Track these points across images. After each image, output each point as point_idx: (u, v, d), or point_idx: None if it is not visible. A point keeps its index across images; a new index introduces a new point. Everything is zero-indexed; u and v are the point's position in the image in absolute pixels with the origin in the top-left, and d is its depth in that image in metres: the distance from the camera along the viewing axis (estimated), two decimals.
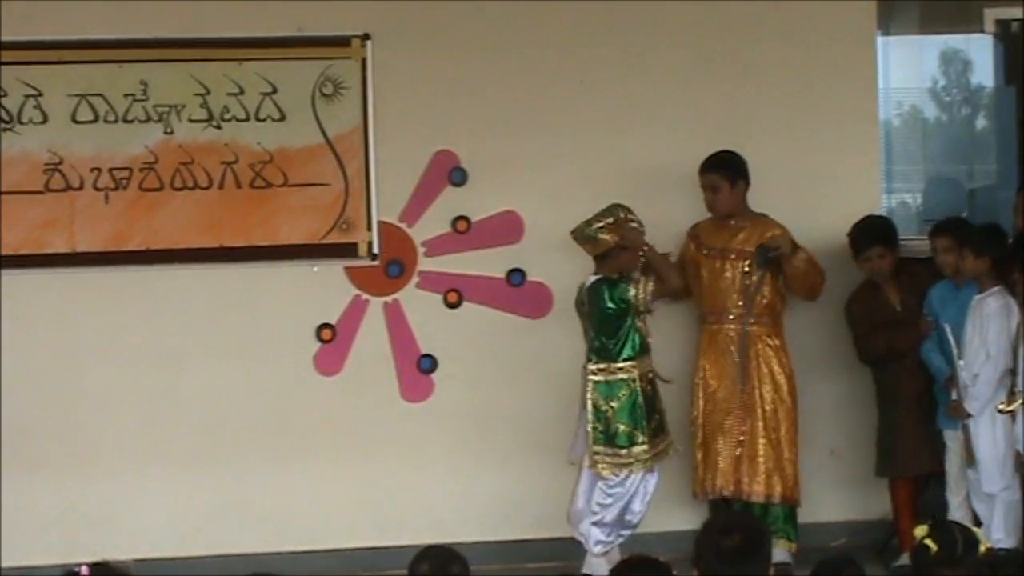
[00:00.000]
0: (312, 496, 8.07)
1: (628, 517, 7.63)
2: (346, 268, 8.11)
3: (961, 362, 7.46)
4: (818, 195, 8.30)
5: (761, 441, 7.76)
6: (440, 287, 8.19)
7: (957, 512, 7.55)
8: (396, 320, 8.16)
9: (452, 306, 8.19)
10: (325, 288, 8.09)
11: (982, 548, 4.51)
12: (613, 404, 7.55)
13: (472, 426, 8.16)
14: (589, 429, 7.57)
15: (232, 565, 7.76)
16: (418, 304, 8.17)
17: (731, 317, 7.80)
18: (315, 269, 8.08)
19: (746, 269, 7.80)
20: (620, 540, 7.65)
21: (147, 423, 7.99)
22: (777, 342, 7.86)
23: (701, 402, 7.83)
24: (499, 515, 8.13)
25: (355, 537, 8.08)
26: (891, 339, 7.82)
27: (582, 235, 7.57)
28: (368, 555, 7.97)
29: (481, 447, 8.15)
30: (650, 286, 7.54)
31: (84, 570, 4.41)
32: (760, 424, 7.76)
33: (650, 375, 7.61)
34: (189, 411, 8.02)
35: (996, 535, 7.21)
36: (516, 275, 8.23)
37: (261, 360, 8.04)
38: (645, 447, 7.54)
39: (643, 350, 7.58)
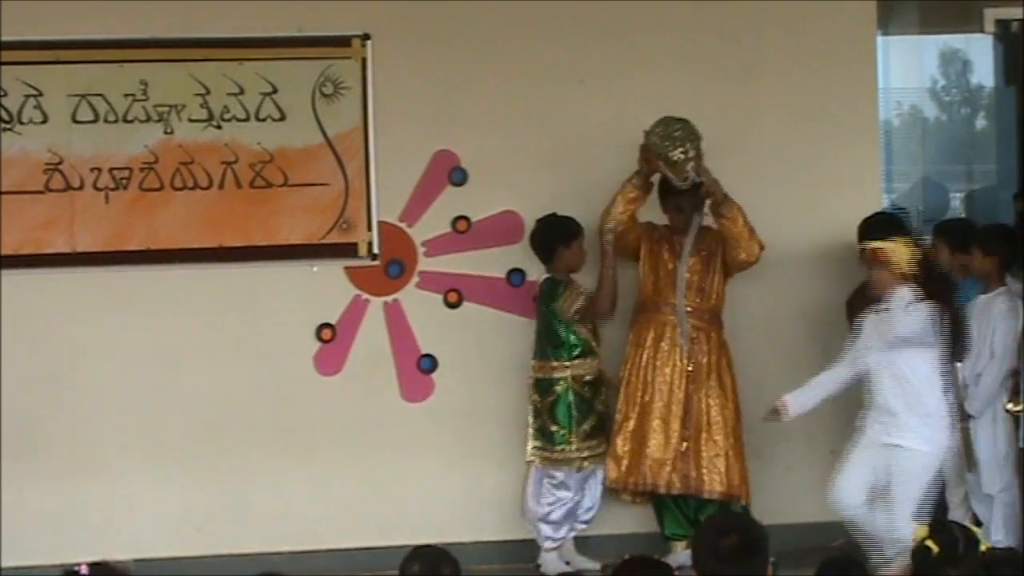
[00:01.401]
0: (312, 496, 8.07)
1: (579, 513, 7.88)
2: (346, 268, 8.11)
3: (958, 364, 7.46)
4: (818, 195, 8.31)
5: (704, 436, 7.76)
6: (440, 287, 8.19)
7: (956, 512, 7.55)
8: (396, 320, 8.16)
9: (452, 306, 8.19)
10: (325, 288, 8.09)
11: (982, 548, 4.52)
12: (548, 401, 7.77)
13: (472, 426, 8.15)
14: (529, 427, 7.85)
15: (232, 565, 7.77)
16: (418, 304, 8.17)
17: (688, 311, 7.79)
18: (315, 269, 8.08)
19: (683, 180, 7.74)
20: (572, 535, 7.91)
21: (147, 423, 7.98)
22: (722, 338, 7.89)
23: (639, 393, 7.81)
24: (499, 515, 8.13)
25: (355, 537, 8.08)
26: None
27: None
28: (368, 555, 7.96)
29: (481, 447, 8.14)
30: (579, 302, 7.75)
31: (84, 569, 4.42)
32: (705, 419, 7.77)
33: (587, 378, 7.80)
34: (189, 411, 8.02)
35: (996, 536, 7.22)
36: (516, 275, 8.23)
37: (261, 360, 8.04)
38: (574, 447, 7.76)
39: (582, 353, 7.81)
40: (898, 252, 7.04)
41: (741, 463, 7.82)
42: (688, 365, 7.77)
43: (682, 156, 7.57)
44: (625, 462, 7.80)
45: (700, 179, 7.65)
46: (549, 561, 7.89)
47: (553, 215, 7.89)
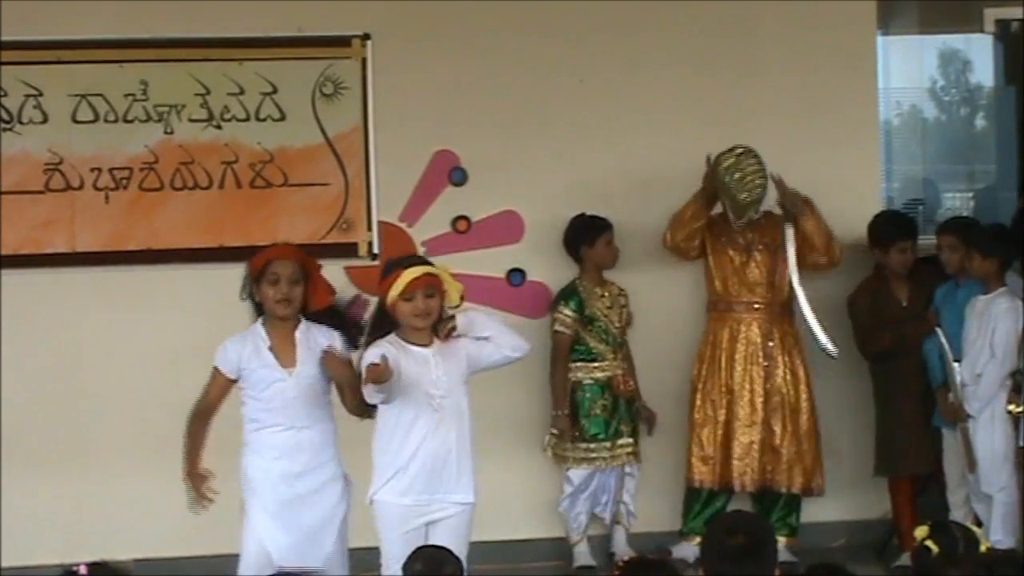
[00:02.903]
0: None
1: (596, 510, 8.05)
2: (346, 268, 8.11)
3: (956, 364, 7.46)
4: (818, 195, 8.27)
5: (786, 432, 7.80)
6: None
7: (958, 512, 7.55)
8: None
9: (452, 306, 8.18)
10: None
11: (982, 548, 4.51)
12: None
13: (472, 426, 8.14)
14: None
15: (232, 565, 7.73)
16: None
17: (756, 308, 7.83)
18: None
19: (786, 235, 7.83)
20: (618, 529, 8.07)
21: (147, 423, 7.98)
22: (795, 331, 7.93)
23: (722, 395, 7.86)
24: (499, 515, 8.12)
25: (355, 537, 8.03)
26: (898, 333, 7.80)
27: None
28: (368, 555, 7.94)
29: (481, 447, 8.12)
30: (563, 326, 7.95)
31: (82, 569, 4.42)
32: (785, 413, 7.82)
33: (586, 383, 7.94)
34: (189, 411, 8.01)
35: (995, 536, 7.21)
36: (516, 275, 8.24)
37: None
38: (567, 446, 7.96)
39: (587, 359, 7.96)
40: (452, 285, 6.15)
41: (819, 455, 7.90)
42: (765, 362, 7.81)
43: (747, 199, 7.73)
44: (716, 463, 7.86)
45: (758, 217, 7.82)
46: (575, 554, 8.06)
47: (580, 215, 8.01)
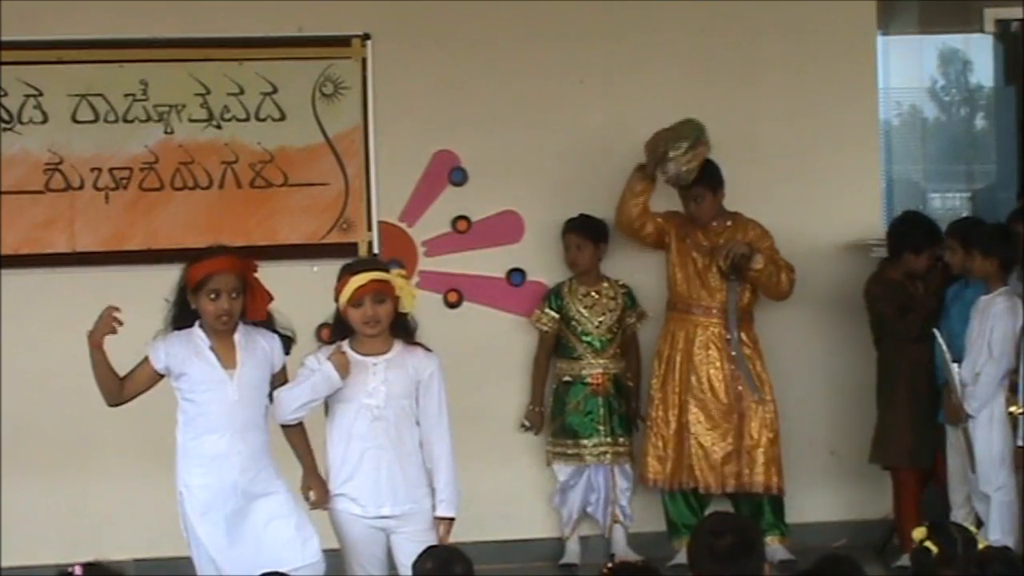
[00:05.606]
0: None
1: (588, 509, 8.09)
2: None
3: (955, 365, 7.46)
4: (818, 195, 8.32)
5: (752, 434, 7.78)
6: (440, 287, 8.19)
7: (959, 511, 7.55)
8: None
9: (452, 306, 8.19)
10: (325, 288, 8.04)
11: (980, 547, 4.52)
12: None
13: (472, 426, 8.14)
14: None
15: None
16: (418, 304, 8.14)
17: (714, 312, 7.82)
18: (315, 269, 8.07)
19: (722, 268, 7.79)
20: (615, 528, 8.05)
21: (147, 423, 7.95)
22: (754, 337, 7.91)
23: (678, 394, 7.84)
24: (499, 515, 8.13)
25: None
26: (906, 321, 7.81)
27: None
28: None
29: (481, 447, 8.14)
30: (544, 322, 8.05)
31: (77, 570, 4.41)
32: (749, 416, 7.79)
33: (564, 379, 8.04)
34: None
35: (993, 535, 7.21)
36: (516, 275, 8.24)
37: None
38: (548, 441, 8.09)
39: (563, 355, 8.06)
40: (406, 290, 6.11)
41: (780, 457, 7.88)
42: (732, 365, 7.79)
43: (674, 152, 7.64)
44: (669, 463, 7.84)
45: (682, 181, 7.72)
46: (565, 549, 8.10)
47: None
